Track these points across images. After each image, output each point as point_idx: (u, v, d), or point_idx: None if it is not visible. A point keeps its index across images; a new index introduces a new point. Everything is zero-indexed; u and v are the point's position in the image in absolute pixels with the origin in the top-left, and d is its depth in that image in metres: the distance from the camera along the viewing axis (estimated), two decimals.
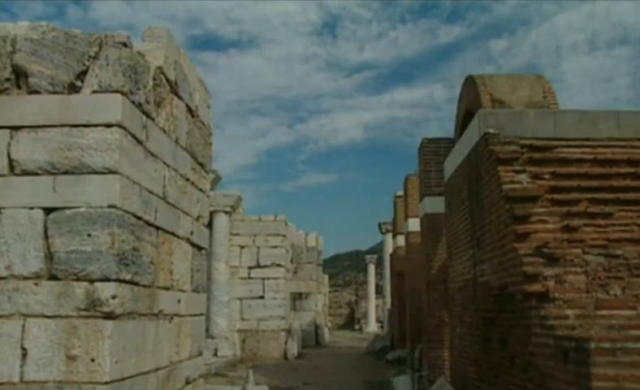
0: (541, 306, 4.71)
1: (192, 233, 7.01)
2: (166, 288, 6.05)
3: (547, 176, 6.03)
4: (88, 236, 4.70)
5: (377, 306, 38.78)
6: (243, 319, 18.42)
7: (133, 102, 5.13)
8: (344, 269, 74.09)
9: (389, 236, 26.99)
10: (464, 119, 9.73)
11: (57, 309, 4.63)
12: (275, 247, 18.77)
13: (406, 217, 15.12)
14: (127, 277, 4.90)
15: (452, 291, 8.33)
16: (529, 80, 8.94)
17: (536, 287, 4.90)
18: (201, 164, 7.48)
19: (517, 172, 5.82)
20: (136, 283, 5.13)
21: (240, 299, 18.50)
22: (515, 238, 5.27)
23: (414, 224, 14.15)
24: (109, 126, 4.84)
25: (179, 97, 6.52)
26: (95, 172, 4.80)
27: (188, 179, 6.90)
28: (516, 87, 8.71)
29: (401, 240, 17.45)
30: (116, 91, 4.90)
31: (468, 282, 7.25)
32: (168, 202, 6.09)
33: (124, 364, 4.86)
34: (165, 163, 6.00)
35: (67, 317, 4.62)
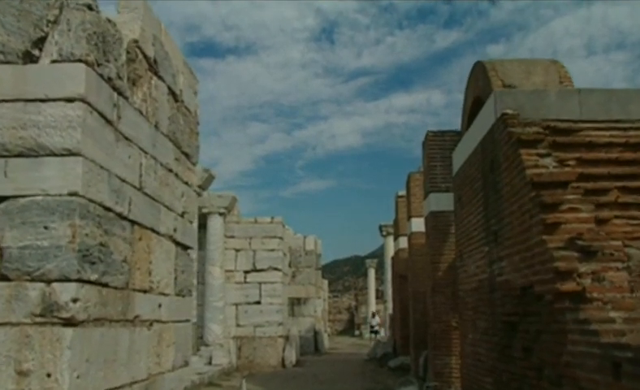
0: (578, 308, 3.99)
1: (175, 230, 6.32)
2: (144, 291, 5.36)
3: (572, 162, 5.32)
4: (45, 228, 4.01)
5: (377, 311, 38.07)
6: (239, 326, 17.68)
7: (101, 76, 4.44)
8: (344, 274, 73.58)
9: (390, 238, 26.28)
10: (473, 109, 9.03)
11: (6, 316, 3.94)
12: (272, 250, 18.05)
13: (409, 217, 14.44)
14: (93, 277, 4.20)
15: (463, 293, 7.61)
16: (544, 65, 8.26)
17: (570, 285, 4.18)
18: (186, 154, 6.80)
19: (542, 156, 5.11)
20: (105, 285, 4.43)
21: (236, 304, 17.78)
22: (543, 229, 4.56)
23: (418, 224, 13.54)
24: (70, 100, 4.15)
25: (160, 78, 5.84)
26: (54, 154, 4.11)
27: (170, 170, 6.21)
28: (530, 72, 8.04)
29: (404, 242, 16.77)
30: (79, 60, 4.21)
31: (482, 282, 6.54)
32: (146, 194, 5.40)
33: (89, 379, 4.15)
34: (142, 149, 5.32)
35: (18, 325, 3.93)
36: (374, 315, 35.16)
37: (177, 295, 6.44)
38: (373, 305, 37.96)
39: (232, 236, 17.89)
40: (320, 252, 26.21)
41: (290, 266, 22.93)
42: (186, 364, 6.83)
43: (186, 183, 6.85)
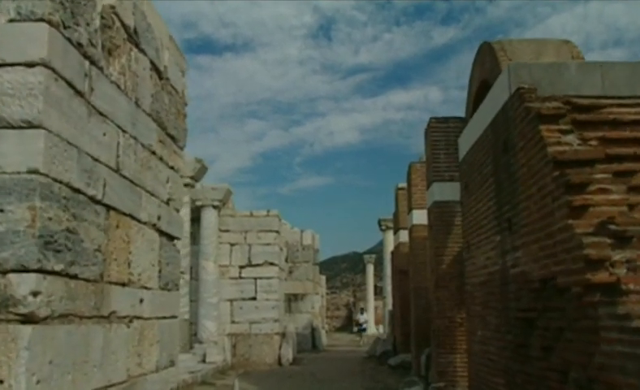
0: (614, 302, 3.47)
1: (159, 218, 5.80)
2: (122, 284, 4.84)
3: (594, 142, 4.79)
4: (1, 211, 3.47)
5: (376, 308, 37.57)
6: (233, 322, 17.15)
7: (69, 40, 3.90)
8: (341, 271, 73.33)
9: (389, 233, 25.72)
10: (479, 94, 8.52)
11: None
12: (268, 244, 17.49)
13: (410, 209, 13.92)
14: (58, 267, 3.68)
15: (471, 287, 7.09)
16: (555, 45, 7.76)
17: (602, 276, 3.66)
18: (171, 137, 6.28)
19: (564, 132, 4.58)
20: (74, 276, 3.91)
21: (231, 300, 17.24)
22: (568, 213, 4.03)
23: (419, 216, 13.05)
24: (31, 65, 3.62)
25: (141, 51, 5.31)
26: (11, 126, 3.59)
27: (153, 153, 5.69)
28: (541, 53, 7.53)
29: (404, 236, 16.26)
30: (41, 19, 3.67)
31: (493, 275, 6.01)
32: (124, 176, 4.87)
33: (52, 383, 3.63)
34: (119, 127, 4.79)
35: None
36: (362, 311, 33.75)
37: (162, 289, 5.92)
38: (372, 302, 37.45)
39: (227, 230, 17.34)
40: (318, 247, 25.64)
41: (287, 261, 22.38)
42: (172, 364, 6.30)
43: (172, 168, 6.33)
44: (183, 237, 13.59)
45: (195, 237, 16.75)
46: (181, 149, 6.72)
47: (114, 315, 4.64)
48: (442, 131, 10.27)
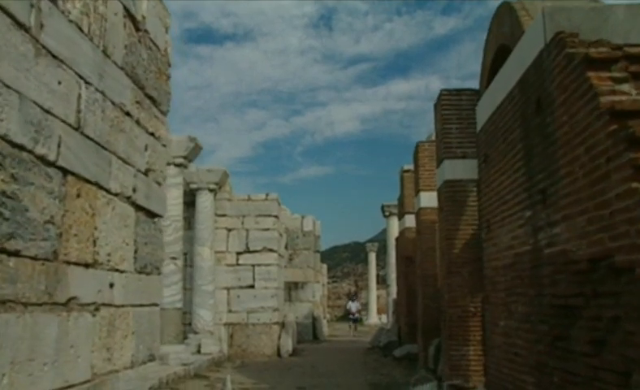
0: None
1: (135, 190, 5.00)
2: (85, 265, 4.04)
3: None
4: None
5: (378, 297, 36.81)
6: (230, 311, 16.35)
7: None
8: (343, 261, 72.97)
9: (393, 219, 24.89)
10: (496, 60, 7.69)
11: None
12: (267, 230, 16.66)
13: (417, 191, 13.12)
14: None
15: (492, 271, 6.29)
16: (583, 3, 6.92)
17: None
18: (151, 98, 5.47)
19: (618, 81, 3.76)
20: (14, 253, 3.10)
21: (227, 288, 16.43)
22: (632, 174, 3.22)
23: (427, 199, 12.30)
24: None
25: None
26: None
27: (128, 114, 4.88)
28: None
29: (410, 221, 15.47)
30: None
31: (521, 257, 5.21)
32: (87, 137, 4.05)
33: None
34: (81, 77, 3.96)
35: None
36: (353, 298, 30.35)
37: (139, 272, 5.13)
38: (374, 291, 36.66)
39: (223, 215, 16.50)
40: (319, 233, 24.81)
41: (286, 248, 21.56)
42: (152, 358, 5.52)
43: (152, 134, 5.53)
44: (175, 220, 12.83)
45: (190, 222, 15.96)
46: (163, 114, 5.91)
47: (75, 302, 3.84)
48: (454, 104, 9.45)
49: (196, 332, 15.00)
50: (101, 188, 4.31)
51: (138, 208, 5.10)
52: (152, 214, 5.51)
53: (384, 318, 32.39)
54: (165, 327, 12.39)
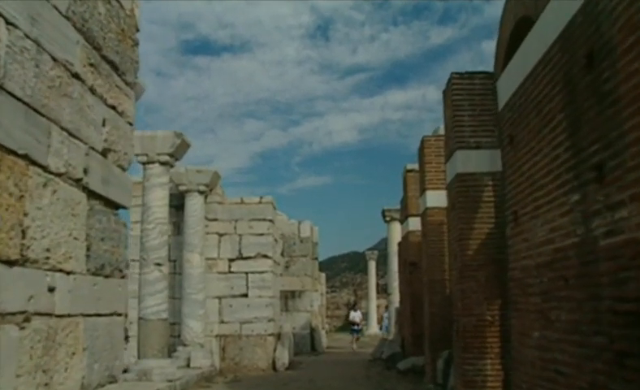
0: None
1: (86, 172, 4.03)
2: (9, 262, 3.08)
3: None
4: None
5: (378, 306, 35.81)
6: (222, 322, 15.32)
7: None
8: (341, 270, 72.39)
9: (394, 224, 23.86)
10: (515, 35, 6.74)
11: None
12: (261, 235, 15.67)
13: (422, 191, 12.17)
14: None
15: (521, 273, 5.30)
16: None
17: None
18: (111, 64, 4.53)
19: None
20: None
21: (219, 298, 15.40)
22: None
23: (434, 198, 11.51)
24: None
25: None
26: None
27: (76, 76, 3.93)
28: None
29: (414, 224, 14.53)
30: None
31: (566, 251, 4.22)
32: (10, 93, 3.10)
33: None
34: (1, 16, 3.02)
35: None
36: (354, 308, 27.67)
37: (93, 274, 4.17)
38: (374, 300, 35.67)
39: (215, 219, 15.49)
40: (317, 240, 23.82)
41: (282, 254, 20.56)
42: (113, 379, 4.55)
43: (113, 107, 4.57)
44: (160, 223, 11.83)
45: (179, 227, 14.98)
46: (129, 86, 4.93)
47: None
48: (466, 89, 8.47)
49: (185, 345, 14.00)
50: (33, 163, 3.34)
51: (92, 194, 4.14)
52: (112, 205, 4.53)
53: (378, 329, 31.50)
54: (148, 340, 11.41)
